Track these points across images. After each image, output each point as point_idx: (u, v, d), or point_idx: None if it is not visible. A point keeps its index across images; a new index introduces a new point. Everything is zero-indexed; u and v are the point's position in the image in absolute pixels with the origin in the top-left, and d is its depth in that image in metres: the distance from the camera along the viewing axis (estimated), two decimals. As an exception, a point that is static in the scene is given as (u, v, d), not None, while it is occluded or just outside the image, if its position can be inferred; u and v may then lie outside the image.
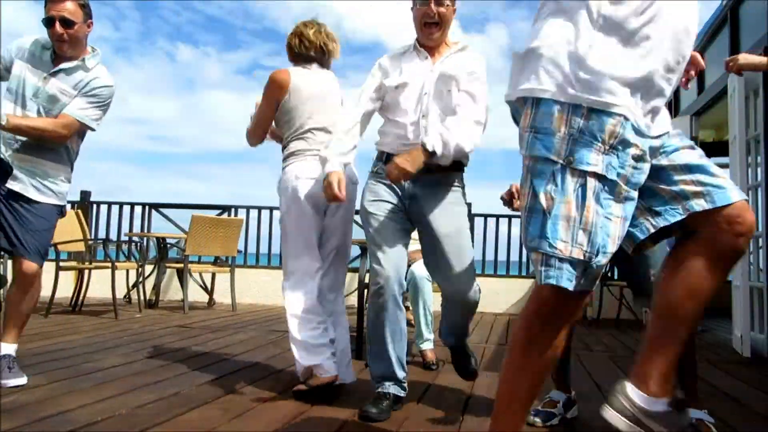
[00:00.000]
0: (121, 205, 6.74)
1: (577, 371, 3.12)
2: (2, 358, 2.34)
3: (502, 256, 6.61)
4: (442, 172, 2.11)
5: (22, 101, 2.36)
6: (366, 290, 3.39)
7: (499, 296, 6.26)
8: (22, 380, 2.34)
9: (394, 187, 2.14)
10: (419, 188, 2.12)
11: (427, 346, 3.11)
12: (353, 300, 6.14)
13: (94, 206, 6.74)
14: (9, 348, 2.38)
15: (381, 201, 2.15)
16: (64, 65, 2.40)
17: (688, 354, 1.91)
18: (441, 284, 2.20)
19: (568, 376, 2.20)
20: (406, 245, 2.19)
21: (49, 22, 2.33)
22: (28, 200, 2.36)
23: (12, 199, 2.34)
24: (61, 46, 2.37)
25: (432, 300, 3.19)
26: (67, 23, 2.34)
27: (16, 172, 2.34)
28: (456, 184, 2.19)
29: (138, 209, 6.74)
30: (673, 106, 6.02)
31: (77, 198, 6.67)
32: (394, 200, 2.15)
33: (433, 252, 2.12)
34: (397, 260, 2.09)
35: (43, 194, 2.40)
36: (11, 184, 2.34)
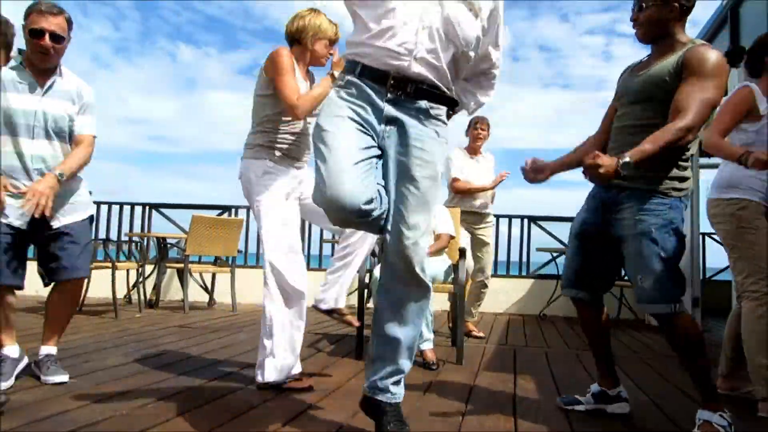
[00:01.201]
0: (121, 205, 6.75)
1: (577, 371, 3.12)
2: (47, 358, 2.44)
3: (502, 256, 6.61)
4: (433, 101, 1.76)
5: (28, 131, 2.31)
6: (366, 290, 3.40)
7: (499, 296, 6.26)
8: (65, 377, 2.40)
9: (369, 107, 1.72)
10: (402, 113, 1.74)
11: (427, 345, 3.11)
12: (353, 300, 6.15)
13: (95, 206, 6.74)
14: (52, 350, 2.49)
15: (342, 117, 1.69)
16: (50, 82, 2.37)
17: (696, 357, 1.95)
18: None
19: (607, 370, 2.27)
20: (371, 170, 1.71)
21: (38, 33, 2.26)
22: (66, 227, 2.41)
23: (53, 235, 2.38)
24: (44, 59, 2.31)
25: (432, 300, 3.18)
26: (57, 38, 2.30)
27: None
28: (442, 119, 1.81)
29: (138, 209, 6.74)
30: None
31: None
32: (366, 120, 1.71)
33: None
34: (360, 180, 1.63)
35: (76, 213, 2.47)
36: (52, 223, 2.37)
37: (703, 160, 6.66)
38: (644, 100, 1.99)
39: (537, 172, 2.22)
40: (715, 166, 7.65)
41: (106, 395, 2.21)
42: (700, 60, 1.88)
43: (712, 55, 1.88)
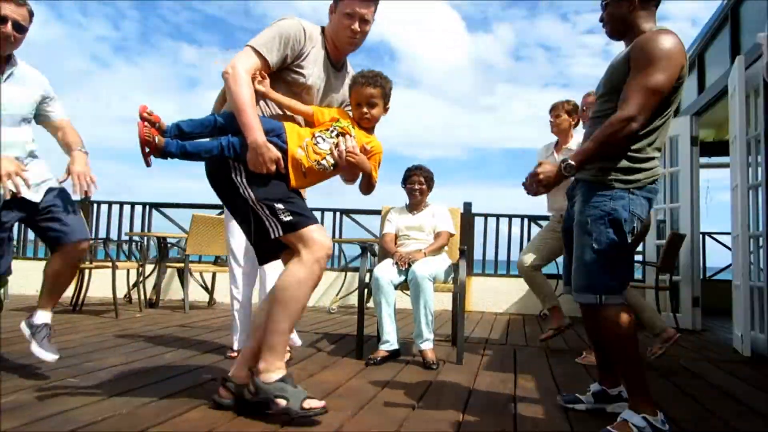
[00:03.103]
0: (121, 204, 6.75)
1: (577, 371, 3.12)
2: (43, 327, 2.46)
3: (502, 256, 6.62)
4: None
5: None
6: (366, 290, 3.40)
7: (499, 296, 6.27)
8: (55, 356, 2.45)
9: None
10: None
11: (427, 345, 3.11)
12: (353, 300, 6.15)
13: (95, 206, 6.75)
14: (47, 317, 2.50)
15: None
16: (9, 71, 2.42)
17: (623, 353, 1.95)
18: None
19: (609, 369, 2.26)
20: None
21: (0, 20, 2.30)
22: (47, 201, 2.47)
23: (37, 208, 2.44)
24: (2, 45, 2.35)
25: (433, 299, 3.19)
26: (19, 28, 2.36)
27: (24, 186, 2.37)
28: None
29: (138, 209, 6.75)
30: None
31: (77, 198, 6.68)
32: None
33: None
34: None
35: (50, 188, 2.52)
36: (29, 196, 2.41)
37: (704, 160, 6.67)
38: (608, 92, 2.02)
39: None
40: (716, 165, 7.66)
41: (107, 395, 2.21)
42: (641, 47, 1.89)
43: (656, 40, 1.87)
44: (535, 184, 1.94)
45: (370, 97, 2.19)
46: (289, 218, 2.00)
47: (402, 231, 3.57)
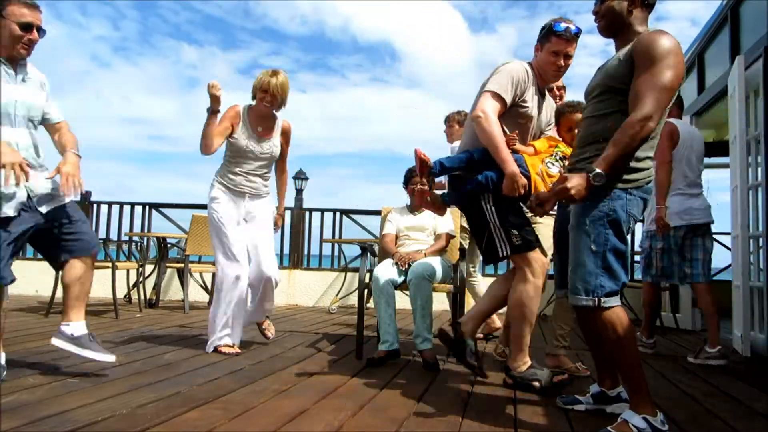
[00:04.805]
0: (121, 204, 6.75)
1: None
2: (87, 335, 2.56)
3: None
4: None
5: (9, 120, 2.34)
6: (366, 290, 3.40)
7: (500, 296, 6.25)
8: (112, 357, 2.57)
9: None
10: None
11: (427, 346, 3.11)
12: (353, 300, 6.15)
13: (95, 206, 6.75)
14: (83, 326, 2.58)
15: None
16: (24, 72, 2.45)
17: (621, 355, 1.93)
18: None
19: (607, 371, 2.27)
20: None
21: (28, 27, 2.36)
22: (59, 210, 2.50)
23: (53, 219, 2.47)
24: (28, 51, 2.40)
25: (432, 300, 3.18)
26: (42, 32, 2.42)
27: (41, 192, 2.42)
28: None
29: (138, 209, 6.75)
30: (674, 106, 6.01)
31: (77, 198, 6.69)
32: None
33: None
34: None
35: (58, 197, 2.51)
36: (47, 206, 2.44)
37: (705, 160, 6.66)
38: (602, 93, 2.01)
39: (543, 205, 2.25)
40: (716, 165, 7.63)
41: (106, 395, 2.21)
42: (646, 47, 1.87)
43: (659, 40, 1.86)
44: (566, 200, 1.89)
45: (580, 121, 2.45)
46: (519, 242, 2.49)
47: (402, 231, 3.57)
